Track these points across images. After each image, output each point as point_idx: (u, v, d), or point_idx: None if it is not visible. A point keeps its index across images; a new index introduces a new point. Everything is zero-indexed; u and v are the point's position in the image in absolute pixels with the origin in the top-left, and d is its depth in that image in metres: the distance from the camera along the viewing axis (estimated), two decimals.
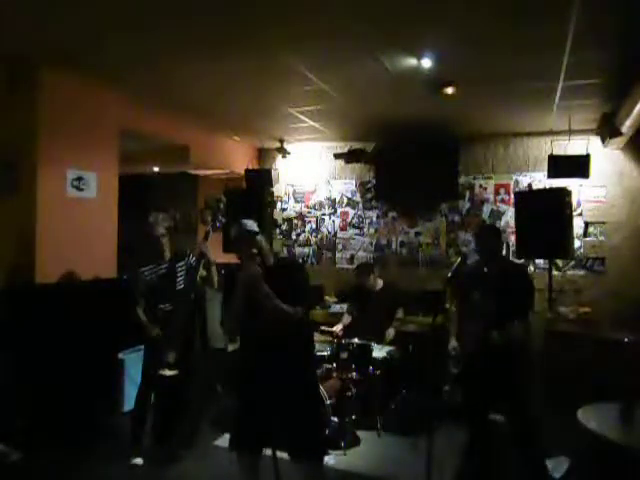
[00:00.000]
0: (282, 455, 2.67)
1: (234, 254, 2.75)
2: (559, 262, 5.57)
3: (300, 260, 6.74)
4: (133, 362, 4.25)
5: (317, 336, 4.42)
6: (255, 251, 2.67)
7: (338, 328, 4.89)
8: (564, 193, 4.51)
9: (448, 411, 4.06)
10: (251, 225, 2.73)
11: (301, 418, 2.65)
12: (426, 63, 3.65)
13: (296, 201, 7.07)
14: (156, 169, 7.32)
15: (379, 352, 4.45)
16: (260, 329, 2.61)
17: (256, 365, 2.69)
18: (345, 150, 6.59)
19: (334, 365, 4.37)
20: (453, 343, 3.43)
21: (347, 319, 5.07)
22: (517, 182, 5.91)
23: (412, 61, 3.64)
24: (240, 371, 2.85)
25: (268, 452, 2.70)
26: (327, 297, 6.31)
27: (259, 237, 2.71)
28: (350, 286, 5.42)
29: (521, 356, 3.26)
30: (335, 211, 6.83)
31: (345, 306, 5.34)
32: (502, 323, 3.09)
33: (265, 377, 2.64)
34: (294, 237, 7.05)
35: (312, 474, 2.72)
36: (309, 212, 6.98)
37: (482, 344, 3.15)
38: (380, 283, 5.07)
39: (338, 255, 6.79)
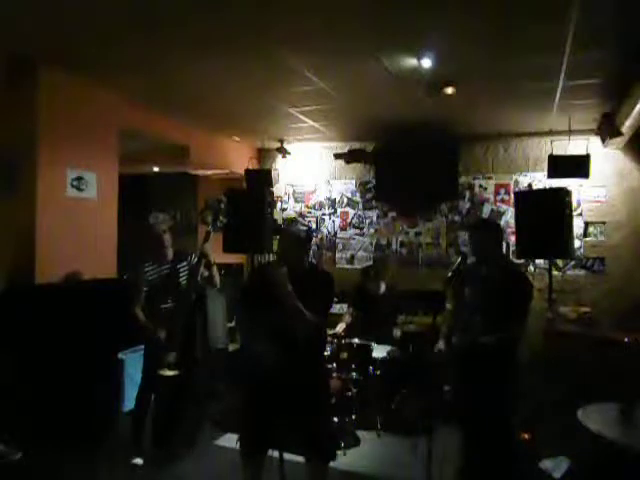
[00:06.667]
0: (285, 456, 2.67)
1: (283, 256, 2.75)
2: (559, 262, 5.57)
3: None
4: (133, 362, 4.25)
5: None
6: (303, 256, 2.75)
7: (341, 328, 4.87)
8: (564, 193, 4.50)
9: (448, 411, 4.05)
10: (305, 231, 2.79)
11: (312, 419, 2.65)
12: (426, 63, 3.65)
13: (296, 201, 7.06)
14: (156, 169, 7.31)
15: (379, 352, 4.45)
16: (276, 327, 2.61)
17: (268, 364, 2.67)
18: (345, 150, 6.58)
19: (334, 365, 4.37)
20: (440, 345, 3.40)
21: (348, 319, 5.07)
22: (517, 182, 5.92)
23: (412, 61, 3.64)
24: (251, 368, 2.84)
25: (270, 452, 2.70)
26: None
27: (310, 244, 2.79)
28: (353, 286, 5.41)
29: (507, 363, 3.13)
30: (335, 211, 6.83)
31: (345, 306, 5.34)
32: (493, 328, 2.99)
33: (276, 376, 2.63)
34: None
35: (318, 476, 2.71)
36: (309, 212, 6.98)
37: (469, 348, 3.10)
38: (383, 287, 5.07)
39: (338, 255, 6.79)
